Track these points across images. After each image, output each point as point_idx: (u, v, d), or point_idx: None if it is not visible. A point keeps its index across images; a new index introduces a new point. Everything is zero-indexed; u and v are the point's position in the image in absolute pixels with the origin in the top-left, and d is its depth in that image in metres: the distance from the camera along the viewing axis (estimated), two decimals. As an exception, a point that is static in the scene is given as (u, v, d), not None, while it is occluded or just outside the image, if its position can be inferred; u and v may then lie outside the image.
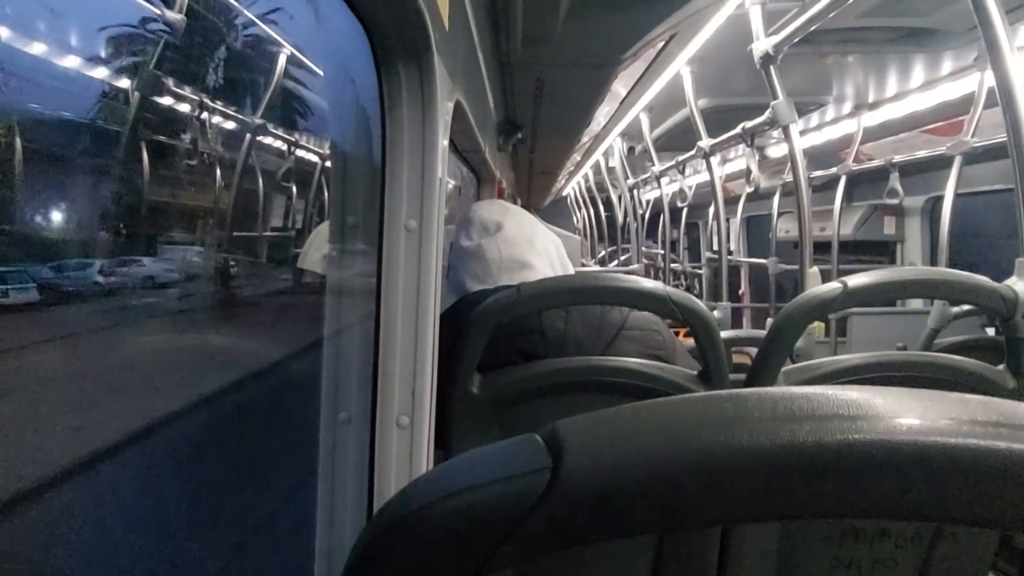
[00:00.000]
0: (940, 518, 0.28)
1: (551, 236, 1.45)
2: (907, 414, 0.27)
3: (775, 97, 2.15)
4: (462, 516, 0.30)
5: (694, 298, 1.15)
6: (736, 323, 4.75)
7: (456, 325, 1.15)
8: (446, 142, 0.99)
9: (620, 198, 6.41)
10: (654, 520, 0.28)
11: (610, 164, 5.74)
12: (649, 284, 1.13)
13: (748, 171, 3.04)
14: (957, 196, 2.92)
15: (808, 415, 0.28)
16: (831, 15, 1.77)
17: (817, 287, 1.15)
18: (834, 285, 1.11)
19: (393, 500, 0.33)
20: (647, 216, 6.12)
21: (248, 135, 1.82)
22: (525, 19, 1.49)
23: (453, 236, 1.42)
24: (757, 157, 3.35)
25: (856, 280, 1.10)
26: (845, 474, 0.26)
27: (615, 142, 4.66)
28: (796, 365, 1.29)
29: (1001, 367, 1.16)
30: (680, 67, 2.63)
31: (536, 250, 1.36)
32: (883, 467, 0.26)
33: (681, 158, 4.01)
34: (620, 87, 2.79)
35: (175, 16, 1.05)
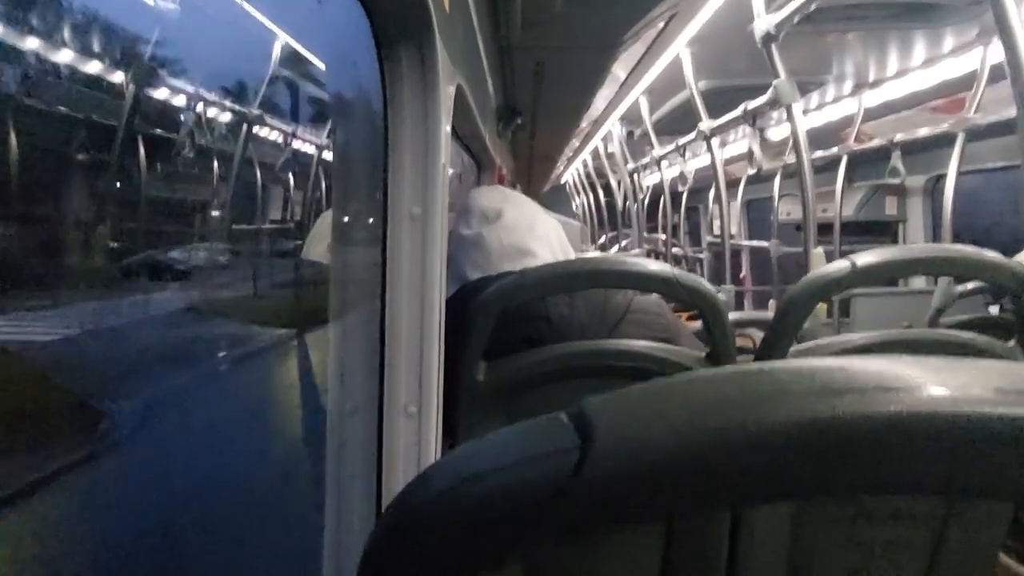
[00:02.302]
0: (979, 492, 0.27)
1: (552, 222, 1.43)
2: (948, 384, 0.27)
3: (777, 76, 2.13)
4: (488, 499, 0.29)
5: (701, 279, 1.14)
6: (738, 306, 4.74)
7: (459, 313, 1.14)
8: (448, 127, 0.98)
9: (620, 183, 6.38)
10: (687, 499, 0.27)
11: (609, 149, 5.71)
12: (656, 266, 1.12)
13: (750, 152, 3.02)
14: (960, 174, 2.90)
15: (847, 387, 0.27)
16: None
17: (826, 266, 1.14)
18: (842, 264, 1.10)
19: (412, 485, 0.32)
20: (647, 201, 6.10)
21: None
22: (525, 1, 1.47)
23: (452, 224, 1.41)
24: (759, 138, 3.33)
25: (865, 258, 1.09)
26: (889, 446, 0.25)
27: (614, 126, 4.63)
28: (804, 344, 1.28)
29: (1011, 343, 1.15)
30: (680, 48, 2.60)
31: (537, 236, 1.35)
32: (927, 438, 0.25)
33: (682, 141, 3.98)
34: (620, 70, 2.77)
35: (168, 4, 1.03)
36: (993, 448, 0.26)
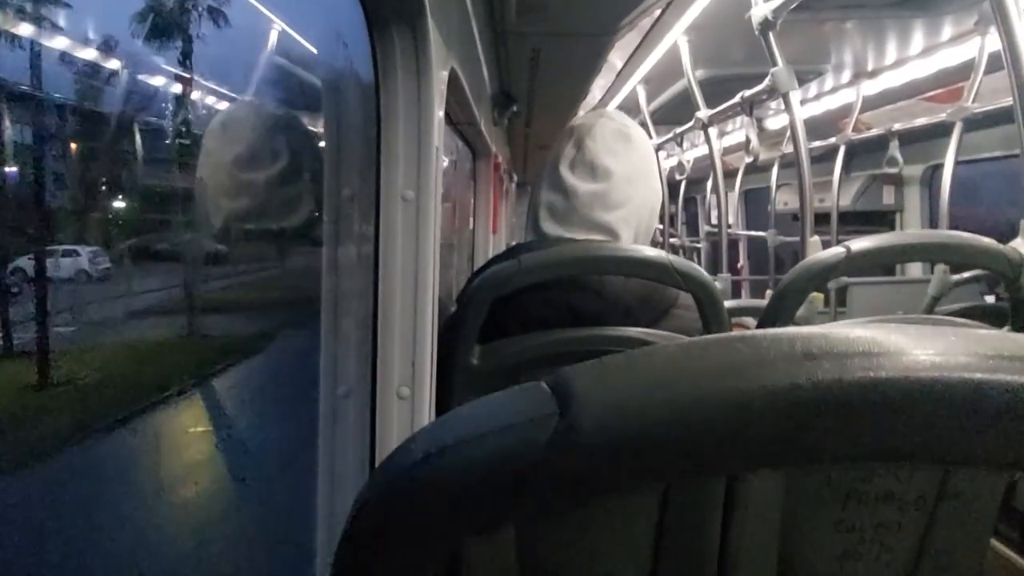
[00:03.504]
0: (962, 459, 0.27)
1: (655, 190, 1.29)
2: (928, 350, 0.26)
3: (774, 64, 2.12)
4: (464, 469, 0.29)
5: (695, 265, 1.14)
6: (735, 296, 4.75)
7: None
8: (442, 112, 0.97)
9: (617, 173, 6.36)
10: (670, 467, 0.27)
11: (607, 138, 5.68)
12: (651, 252, 1.12)
13: (747, 141, 3.01)
14: (957, 164, 2.90)
15: (826, 353, 0.26)
16: (830, -22, 1.74)
17: (820, 252, 1.14)
18: (837, 250, 1.10)
19: (394, 455, 0.32)
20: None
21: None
22: (519, -14, 1.46)
23: (552, 156, 1.29)
24: (756, 127, 3.32)
25: (859, 244, 1.09)
26: (868, 412, 0.25)
27: (612, 116, 4.61)
28: None
29: (1006, 329, 1.16)
30: (677, 36, 2.59)
31: (628, 211, 1.24)
32: (906, 404, 0.25)
33: (679, 130, 3.97)
34: (616, 58, 2.76)
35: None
36: (973, 413, 0.26)
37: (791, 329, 0.28)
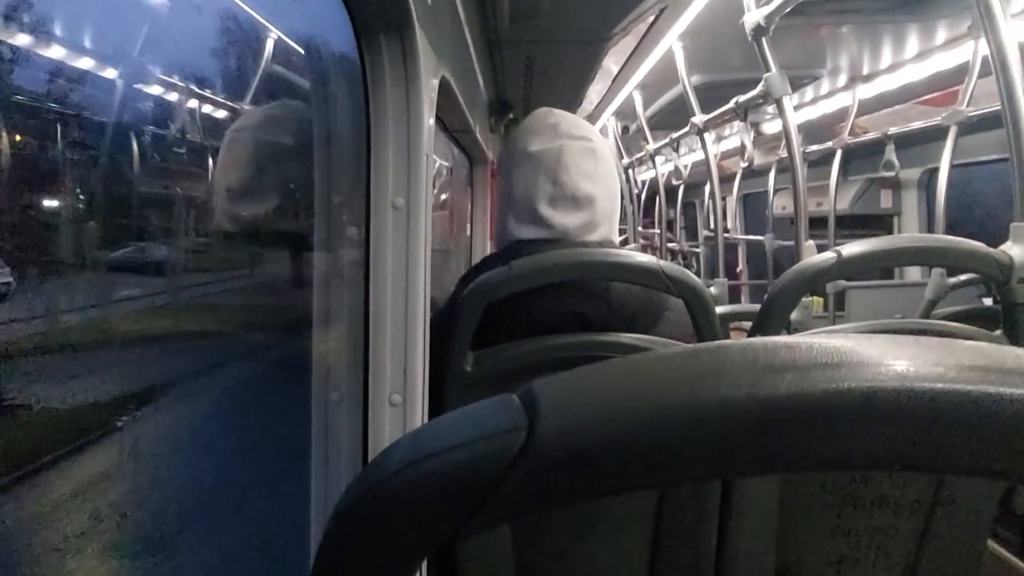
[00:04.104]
0: (928, 467, 0.27)
1: (619, 185, 1.32)
2: (893, 361, 0.27)
3: (768, 70, 2.13)
4: (438, 478, 0.29)
5: (686, 271, 1.14)
6: (734, 301, 4.75)
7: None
8: (432, 120, 0.98)
9: (615, 178, 6.37)
10: (629, 476, 0.27)
11: (605, 144, 5.70)
12: (642, 258, 1.12)
13: (742, 147, 3.02)
14: (953, 167, 2.90)
15: (789, 365, 0.27)
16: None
17: (812, 257, 1.14)
18: (829, 255, 1.11)
19: (370, 465, 0.33)
20: (643, 196, 6.10)
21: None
22: (512, -6, 1.48)
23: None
24: (752, 133, 3.33)
25: (851, 249, 1.09)
26: (830, 425, 0.25)
27: (609, 121, 4.63)
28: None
29: (998, 332, 1.16)
30: (672, 42, 2.60)
31: (609, 222, 1.27)
32: (869, 416, 0.25)
33: (675, 136, 3.98)
34: (612, 64, 2.77)
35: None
36: (951, 425, 0.26)
37: (762, 340, 0.28)
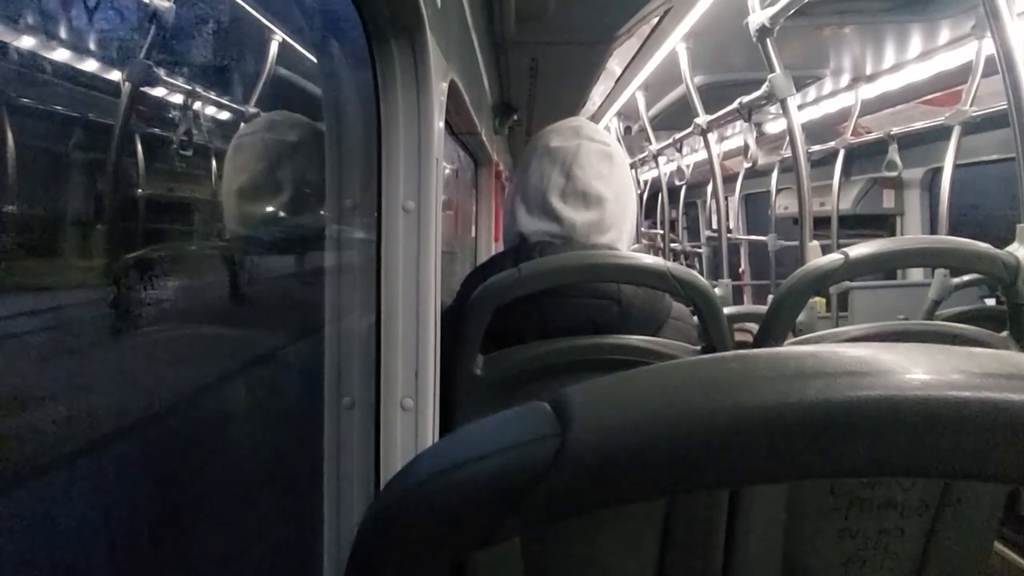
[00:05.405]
0: (952, 474, 0.27)
1: (634, 198, 1.31)
2: (916, 369, 0.27)
3: (772, 70, 2.13)
4: (470, 487, 0.30)
5: (694, 272, 1.15)
6: (737, 301, 4.75)
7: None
8: (441, 123, 0.98)
9: (618, 179, 6.37)
10: (662, 483, 0.28)
11: (607, 145, 5.70)
12: (650, 260, 1.12)
13: (746, 147, 3.03)
14: (956, 167, 2.91)
15: (816, 373, 0.27)
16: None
17: (819, 259, 1.15)
18: (835, 256, 1.11)
19: (399, 474, 0.33)
20: (645, 196, 6.10)
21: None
22: (518, -3, 1.48)
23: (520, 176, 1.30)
24: (755, 133, 3.34)
25: (857, 250, 1.10)
26: (855, 432, 0.26)
27: (611, 122, 4.64)
28: (801, 338, 1.29)
29: (1004, 334, 1.16)
30: (675, 43, 2.61)
31: (619, 228, 1.27)
32: (894, 423, 0.26)
33: (678, 136, 3.98)
34: (615, 65, 2.78)
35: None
36: (976, 433, 0.26)
37: (787, 348, 0.29)
